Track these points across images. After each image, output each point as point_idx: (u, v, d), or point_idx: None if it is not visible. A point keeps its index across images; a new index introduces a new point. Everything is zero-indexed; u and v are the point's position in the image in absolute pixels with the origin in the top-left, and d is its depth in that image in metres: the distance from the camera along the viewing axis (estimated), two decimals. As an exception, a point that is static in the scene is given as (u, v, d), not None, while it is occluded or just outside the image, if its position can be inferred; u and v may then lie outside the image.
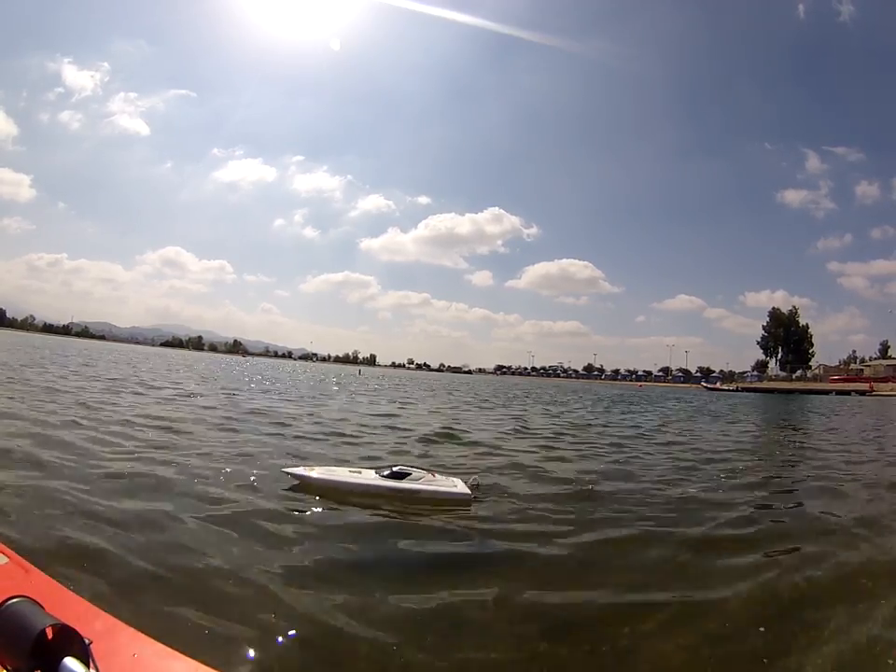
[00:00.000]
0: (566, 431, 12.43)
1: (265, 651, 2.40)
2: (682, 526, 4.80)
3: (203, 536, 3.77)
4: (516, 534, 4.33)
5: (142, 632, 1.33)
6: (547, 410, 19.98)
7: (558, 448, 9.48)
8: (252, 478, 5.40)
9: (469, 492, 5.08)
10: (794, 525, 5.20)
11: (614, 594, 3.35)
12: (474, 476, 5.51)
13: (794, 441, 12.81)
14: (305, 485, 5.08)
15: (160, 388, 15.69)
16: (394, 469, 5.25)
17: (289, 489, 5.10)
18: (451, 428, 11.01)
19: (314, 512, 4.55)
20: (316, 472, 5.17)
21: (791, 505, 6.06)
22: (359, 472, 5.30)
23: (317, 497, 4.89)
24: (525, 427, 12.69)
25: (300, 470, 5.20)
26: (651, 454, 9.45)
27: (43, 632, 0.91)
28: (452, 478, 5.40)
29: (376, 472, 5.25)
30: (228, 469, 5.66)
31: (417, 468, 5.39)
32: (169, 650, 1.29)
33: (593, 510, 5.20)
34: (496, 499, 5.28)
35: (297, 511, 4.53)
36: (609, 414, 19.53)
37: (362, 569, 3.51)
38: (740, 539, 4.54)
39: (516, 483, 6.14)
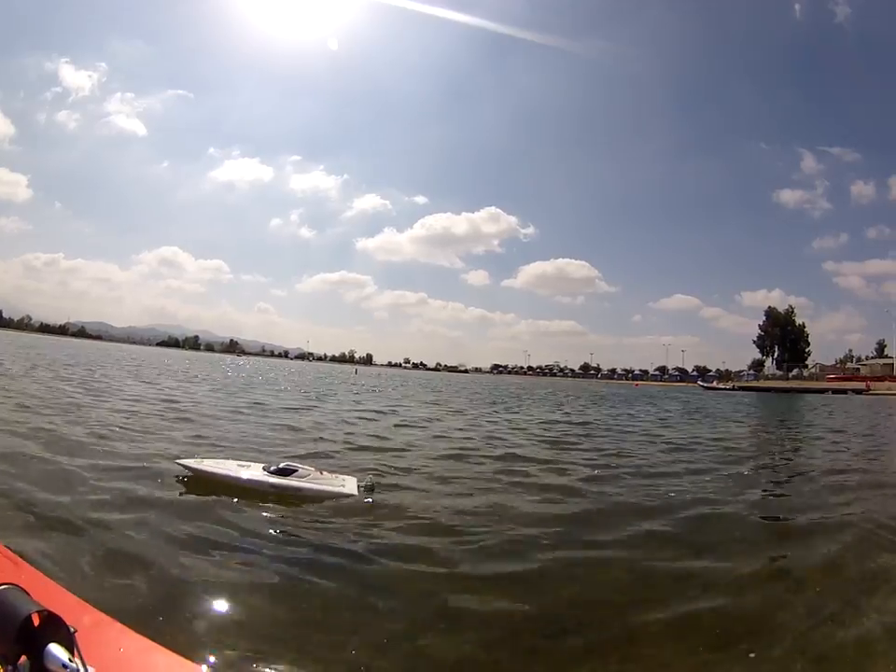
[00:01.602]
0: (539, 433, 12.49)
1: None
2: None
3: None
4: (384, 537, 4.20)
5: (128, 626, 1.34)
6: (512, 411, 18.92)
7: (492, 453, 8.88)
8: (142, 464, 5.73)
9: (355, 492, 5.05)
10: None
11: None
12: (369, 476, 5.49)
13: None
14: (196, 476, 5.20)
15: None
16: (281, 465, 5.29)
17: (179, 479, 5.25)
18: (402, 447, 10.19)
19: (181, 500, 4.78)
20: (206, 465, 5.29)
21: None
22: (248, 466, 5.35)
23: (194, 487, 5.06)
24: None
25: (190, 462, 5.34)
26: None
27: (29, 618, 0.92)
28: (343, 477, 5.41)
29: (264, 468, 5.27)
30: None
31: (306, 465, 5.42)
32: (153, 644, 1.30)
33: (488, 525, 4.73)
34: (387, 501, 5.11)
35: (165, 497, 4.74)
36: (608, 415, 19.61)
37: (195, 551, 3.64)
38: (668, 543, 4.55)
39: (421, 486, 5.91)
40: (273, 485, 5.00)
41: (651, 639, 2.92)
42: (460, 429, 11.97)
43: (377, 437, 9.80)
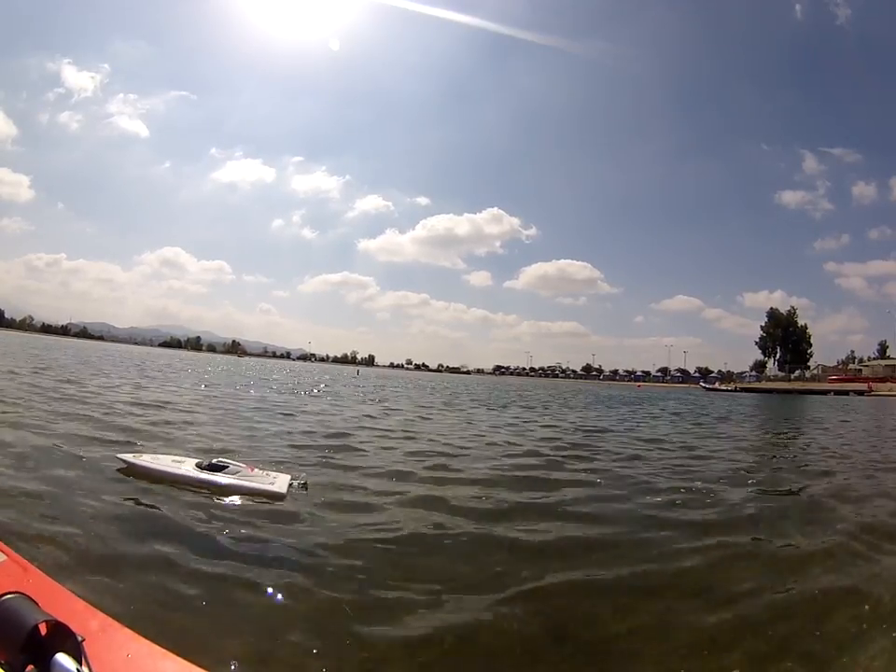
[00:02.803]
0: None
1: None
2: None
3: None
4: (295, 540, 4.03)
5: (136, 632, 1.33)
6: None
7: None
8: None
9: (283, 490, 5.06)
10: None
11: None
12: (303, 474, 5.51)
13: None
14: (132, 470, 5.37)
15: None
16: (213, 461, 5.39)
17: (117, 471, 5.42)
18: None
19: (108, 488, 4.95)
20: (143, 459, 5.47)
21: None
22: (182, 462, 5.49)
23: (129, 479, 5.24)
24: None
25: (128, 456, 5.55)
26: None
27: (36, 627, 0.92)
28: (274, 474, 5.43)
29: (197, 464, 5.39)
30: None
31: (237, 462, 5.49)
32: (162, 650, 1.29)
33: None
34: (315, 502, 4.98)
35: (96, 489, 4.87)
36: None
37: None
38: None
39: (361, 490, 5.62)
40: (201, 481, 5.13)
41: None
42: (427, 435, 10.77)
43: (340, 433, 9.68)
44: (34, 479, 4.89)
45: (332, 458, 7.23)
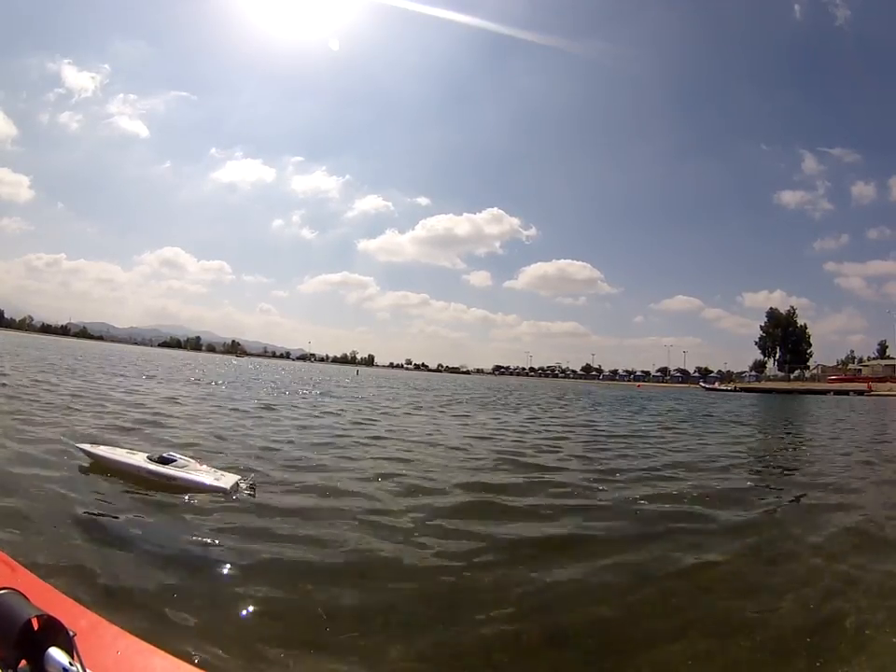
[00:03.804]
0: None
1: None
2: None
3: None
4: (225, 539, 4.01)
5: (125, 629, 1.35)
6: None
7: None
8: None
9: (226, 487, 5.10)
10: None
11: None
12: (252, 475, 5.55)
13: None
14: (91, 460, 5.68)
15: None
16: (164, 454, 5.57)
17: (76, 461, 5.75)
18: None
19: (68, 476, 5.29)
20: (100, 450, 5.76)
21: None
22: (135, 454, 5.72)
23: (87, 468, 5.60)
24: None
25: (86, 446, 5.86)
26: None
27: (28, 622, 0.93)
28: (223, 472, 5.49)
29: (148, 456, 5.57)
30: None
31: (186, 457, 5.66)
32: (151, 647, 1.31)
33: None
34: (259, 504, 4.91)
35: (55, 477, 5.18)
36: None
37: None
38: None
39: (310, 495, 5.45)
40: (150, 472, 5.32)
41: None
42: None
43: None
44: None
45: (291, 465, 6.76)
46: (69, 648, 0.97)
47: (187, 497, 4.96)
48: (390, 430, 11.25)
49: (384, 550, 4.08)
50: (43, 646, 0.94)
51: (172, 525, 4.31)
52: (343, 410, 15.40)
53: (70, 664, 0.94)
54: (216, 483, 5.14)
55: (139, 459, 5.50)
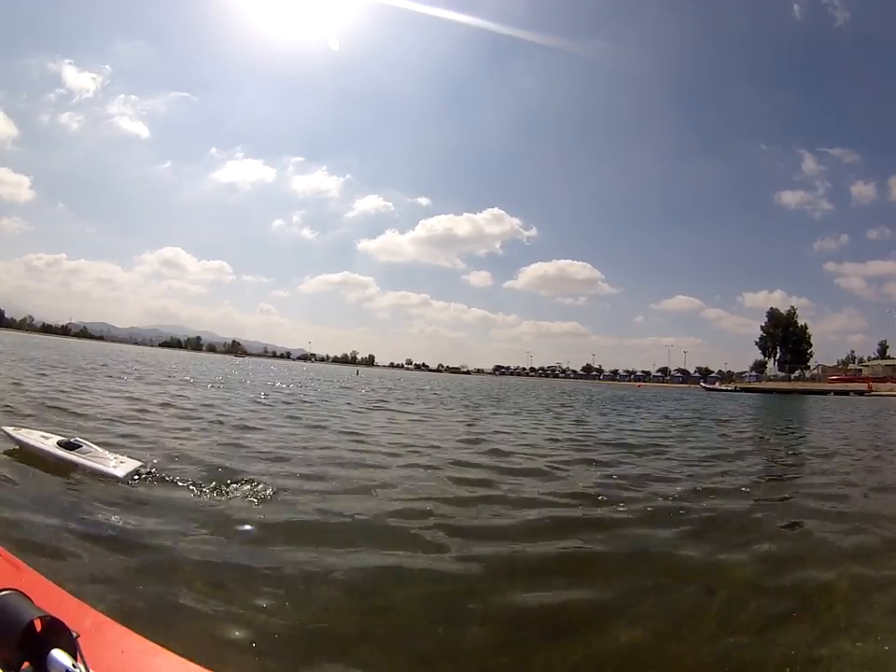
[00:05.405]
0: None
1: None
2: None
3: None
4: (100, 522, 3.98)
5: (130, 628, 1.34)
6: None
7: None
8: None
9: (119, 475, 5.17)
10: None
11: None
12: (151, 462, 5.68)
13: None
14: (11, 441, 5.86)
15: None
16: (71, 440, 5.73)
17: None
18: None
19: None
20: (21, 433, 5.93)
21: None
22: (48, 437, 5.89)
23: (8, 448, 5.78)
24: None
25: (9, 429, 6.02)
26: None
27: (31, 624, 0.91)
28: (124, 459, 5.56)
29: (59, 441, 5.72)
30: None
31: (92, 444, 5.74)
32: (156, 646, 1.29)
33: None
34: (150, 493, 4.86)
35: None
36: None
37: None
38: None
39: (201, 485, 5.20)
40: (56, 457, 5.51)
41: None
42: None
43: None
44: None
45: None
46: (72, 649, 0.96)
47: (85, 482, 5.03)
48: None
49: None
50: (46, 648, 0.92)
51: (53, 508, 4.21)
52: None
53: (73, 665, 0.92)
54: (110, 470, 5.24)
55: (50, 444, 5.66)
